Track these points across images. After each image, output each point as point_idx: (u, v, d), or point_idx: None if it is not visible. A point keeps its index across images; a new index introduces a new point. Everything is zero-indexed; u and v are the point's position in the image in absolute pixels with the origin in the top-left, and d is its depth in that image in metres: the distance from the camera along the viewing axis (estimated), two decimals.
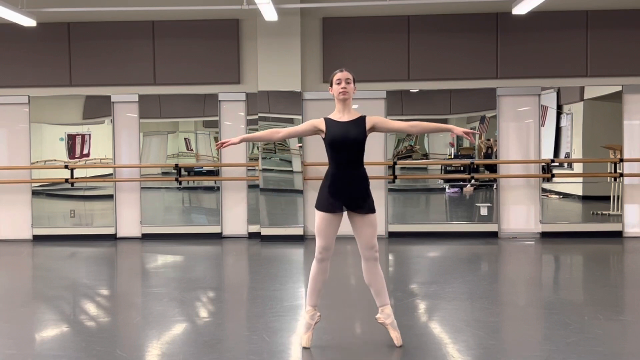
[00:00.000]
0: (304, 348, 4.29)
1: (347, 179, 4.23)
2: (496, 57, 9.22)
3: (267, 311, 5.25)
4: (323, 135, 4.29)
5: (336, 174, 4.24)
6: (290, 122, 9.23)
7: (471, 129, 9.42)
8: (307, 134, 4.43)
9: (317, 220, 4.25)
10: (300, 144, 9.20)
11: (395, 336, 4.29)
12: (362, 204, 4.22)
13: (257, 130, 9.26)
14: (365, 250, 4.28)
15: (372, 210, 4.25)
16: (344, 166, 4.24)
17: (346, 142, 4.21)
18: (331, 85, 4.32)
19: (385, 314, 4.34)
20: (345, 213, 4.29)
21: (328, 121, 4.29)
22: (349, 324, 4.81)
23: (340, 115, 4.30)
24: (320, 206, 4.24)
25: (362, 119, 4.29)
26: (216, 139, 9.43)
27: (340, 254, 7.62)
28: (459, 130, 4.21)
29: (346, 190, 4.21)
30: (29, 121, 9.57)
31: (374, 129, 4.30)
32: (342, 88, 4.24)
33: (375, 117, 4.35)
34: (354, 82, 4.32)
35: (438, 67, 9.24)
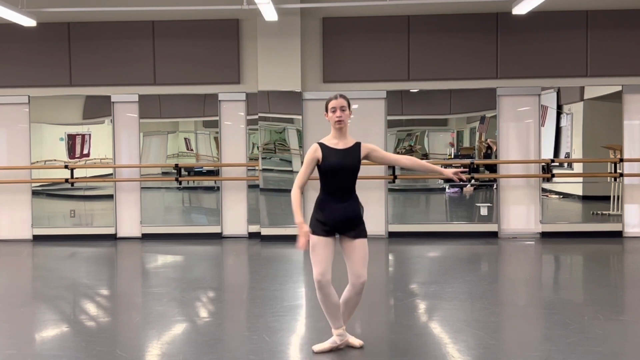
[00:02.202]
0: (314, 352, 4.24)
1: (340, 205, 4.15)
2: (496, 57, 9.22)
3: (267, 311, 5.25)
4: (320, 163, 4.19)
5: (328, 200, 4.18)
6: (290, 122, 9.23)
7: (471, 129, 9.43)
8: (314, 167, 4.25)
9: (311, 246, 4.14)
10: (300, 147, 9.20)
11: (354, 341, 4.34)
12: (354, 228, 4.17)
13: (256, 130, 9.26)
14: (353, 278, 4.19)
15: (363, 234, 4.21)
16: (336, 193, 4.18)
17: (342, 171, 4.16)
18: (326, 111, 4.24)
19: (336, 335, 4.29)
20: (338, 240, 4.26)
21: (324, 148, 4.20)
22: (349, 324, 4.80)
23: (336, 141, 4.22)
24: (313, 230, 4.15)
25: (357, 147, 4.24)
26: (216, 139, 9.43)
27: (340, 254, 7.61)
28: (448, 172, 4.27)
29: (339, 216, 4.14)
30: (29, 121, 9.57)
31: (367, 157, 4.27)
32: (337, 117, 4.17)
33: (370, 145, 4.30)
34: (349, 107, 4.26)
35: (438, 67, 9.24)
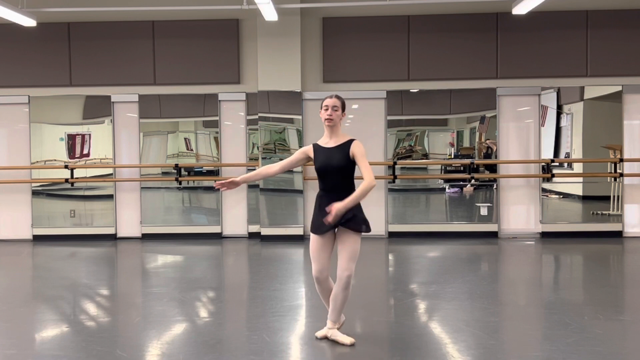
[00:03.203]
0: (316, 338, 4.45)
1: (333, 200, 4.16)
2: (496, 57, 9.22)
3: (267, 311, 5.25)
4: (313, 162, 4.38)
5: (324, 196, 4.30)
6: (290, 122, 9.24)
7: (471, 129, 9.43)
8: (301, 163, 4.49)
9: (310, 243, 4.37)
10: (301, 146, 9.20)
11: (346, 339, 4.38)
12: (349, 218, 4.19)
13: (256, 130, 9.27)
14: (341, 272, 4.23)
15: (355, 228, 4.21)
16: (330, 189, 4.28)
17: (329, 169, 4.26)
18: (321, 109, 4.34)
19: (327, 327, 4.45)
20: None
21: (316, 147, 4.37)
22: (349, 324, 4.81)
23: (327, 140, 4.36)
24: (312, 229, 4.36)
25: (347, 144, 4.28)
26: (216, 139, 9.44)
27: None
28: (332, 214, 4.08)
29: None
30: (29, 121, 9.57)
31: (353, 156, 4.25)
32: (327, 115, 4.28)
33: (357, 149, 4.24)
34: (343, 109, 4.33)
35: (438, 67, 9.24)
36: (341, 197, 4.16)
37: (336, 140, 4.32)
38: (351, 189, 4.26)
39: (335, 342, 4.39)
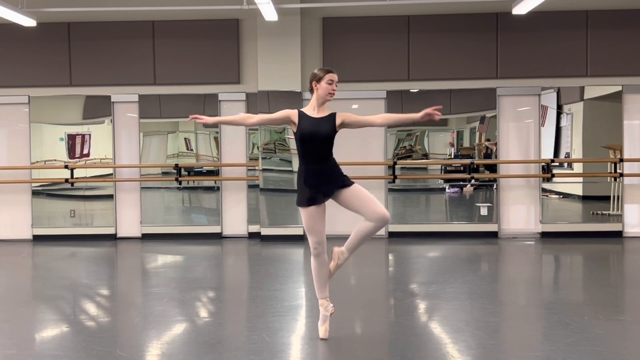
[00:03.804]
0: (322, 339, 4.41)
1: (319, 170, 4.34)
2: (496, 57, 9.22)
3: (267, 311, 5.25)
4: (295, 129, 4.39)
5: (308, 168, 4.36)
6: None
7: (471, 129, 9.43)
8: (279, 123, 4.55)
9: (303, 218, 4.39)
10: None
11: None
12: (340, 183, 4.32)
13: (256, 130, 9.27)
14: (376, 218, 4.24)
15: (350, 182, 4.35)
16: (314, 160, 4.36)
17: (316, 138, 4.33)
18: (317, 82, 4.38)
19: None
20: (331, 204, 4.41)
21: (301, 115, 4.40)
22: (349, 324, 4.81)
23: (313, 111, 4.42)
24: (301, 202, 4.37)
25: (332, 116, 4.41)
26: (216, 139, 9.44)
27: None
28: (421, 114, 4.41)
29: (321, 180, 4.32)
30: (29, 121, 9.57)
31: (343, 125, 4.40)
32: (332, 90, 4.38)
33: (345, 113, 4.45)
34: None
35: (438, 67, 9.24)
36: (325, 168, 4.33)
37: (323, 112, 4.42)
38: (331, 156, 4.40)
39: (335, 342, 4.39)
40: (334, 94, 4.39)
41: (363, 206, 4.27)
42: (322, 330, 4.46)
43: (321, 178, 4.32)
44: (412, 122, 4.59)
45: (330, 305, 4.49)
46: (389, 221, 4.31)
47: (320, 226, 4.35)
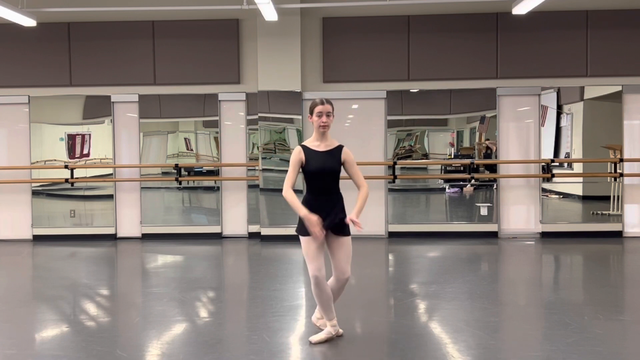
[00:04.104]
0: (310, 343, 4.39)
1: (324, 203, 4.35)
2: (496, 57, 9.22)
3: (267, 311, 5.25)
4: (303, 165, 4.40)
5: (313, 199, 4.37)
6: (290, 122, 9.23)
7: (471, 129, 9.43)
8: (299, 168, 4.43)
9: (303, 246, 4.38)
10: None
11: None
12: (339, 224, 4.35)
13: (256, 130, 9.27)
14: (339, 274, 4.42)
15: (347, 232, 4.39)
16: (320, 193, 4.39)
17: (323, 173, 4.37)
18: (311, 114, 4.42)
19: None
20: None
21: (306, 150, 4.40)
22: (349, 324, 4.81)
23: (317, 143, 4.43)
24: (302, 231, 4.36)
25: (338, 150, 4.43)
26: (216, 139, 9.44)
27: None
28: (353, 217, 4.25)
29: (324, 212, 4.30)
30: (29, 121, 9.57)
31: (343, 165, 4.43)
32: (323, 122, 4.37)
33: (348, 156, 4.43)
34: (333, 111, 4.45)
35: (438, 67, 9.24)
36: (331, 199, 4.36)
37: (326, 144, 4.43)
38: (338, 190, 4.43)
39: (335, 342, 4.39)
40: (325, 125, 4.36)
41: (341, 260, 4.38)
42: (317, 339, 4.42)
43: (324, 211, 4.30)
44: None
45: (339, 329, 4.52)
46: (347, 279, 4.42)
47: (320, 255, 4.34)
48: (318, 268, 4.31)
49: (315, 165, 4.36)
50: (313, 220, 4.18)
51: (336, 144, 4.47)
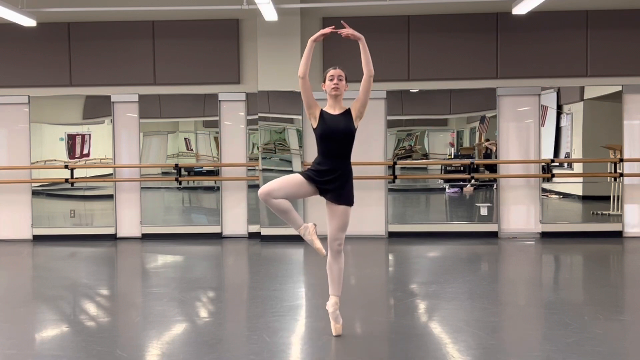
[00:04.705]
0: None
1: (332, 168, 4.40)
2: (496, 57, 9.22)
3: (267, 311, 5.25)
4: (315, 124, 4.49)
5: (322, 162, 4.44)
6: (290, 122, 9.24)
7: (471, 129, 9.43)
8: (309, 99, 4.51)
9: (289, 175, 4.48)
10: (301, 146, 9.20)
11: (334, 326, 4.52)
12: (338, 195, 4.41)
13: (256, 130, 9.26)
14: (331, 242, 4.49)
15: (347, 202, 4.43)
16: (331, 157, 4.43)
17: (336, 134, 4.43)
18: (324, 82, 4.56)
19: (330, 304, 4.55)
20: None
21: (323, 112, 4.52)
22: (350, 324, 4.81)
23: (332, 109, 4.54)
24: (302, 174, 4.45)
25: (349, 111, 4.54)
26: (216, 139, 9.44)
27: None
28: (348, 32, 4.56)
29: (329, 177, 4.38)
30: (29, 121, 9.57)
31: (357, 112, 4.55)
32: (334, 84, 4.49)
33: (353, 103, 4.57)
34: (346, 80, 4.58)
35: (438, 67, 9.24)
36: (340, 167, 4.41)
37: (340, 109, 4.54)
38: (349, 161, 4.48)
39: (335, 341, 4.39)
40: (336, 88, 4.47)
41: (335, 227, 4.43)
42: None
43: (329, 176, 4.38)
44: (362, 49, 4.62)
45: (311, 224, 4.47)
46: (339, 249, 4.46)
47: (292, 192, 4.40)
48: (270, 191, 4.33)
49: (328, 125, 4.42)
50: (317, 34, 4.44)
51: (345, 107, 4.57)
